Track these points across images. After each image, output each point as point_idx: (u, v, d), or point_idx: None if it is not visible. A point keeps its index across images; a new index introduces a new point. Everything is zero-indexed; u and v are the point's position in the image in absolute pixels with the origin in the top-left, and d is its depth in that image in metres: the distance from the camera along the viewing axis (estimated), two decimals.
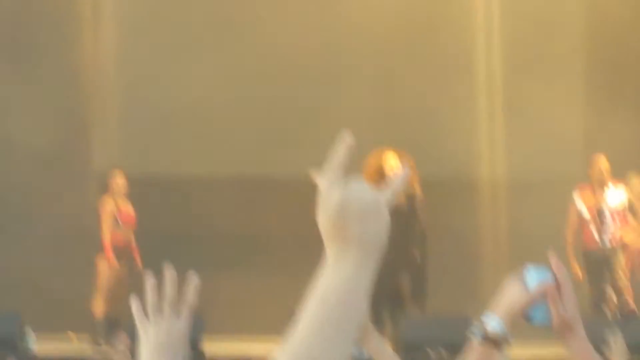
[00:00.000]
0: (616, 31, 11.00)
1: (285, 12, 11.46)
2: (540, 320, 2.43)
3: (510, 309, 2.52)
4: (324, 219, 1.48)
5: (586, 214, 10.48)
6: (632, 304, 10.29)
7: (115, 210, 10.75)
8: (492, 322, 2.48)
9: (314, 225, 1.46)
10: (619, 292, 10.38)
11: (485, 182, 11.53)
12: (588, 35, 11.50)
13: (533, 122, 10.94)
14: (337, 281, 1.47)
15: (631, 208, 10.44)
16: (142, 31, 11.64)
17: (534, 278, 2.43)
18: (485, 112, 11.49)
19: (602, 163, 10.40)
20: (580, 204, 10.48)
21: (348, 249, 1.48)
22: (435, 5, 11.50)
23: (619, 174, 10.50)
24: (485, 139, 11.50)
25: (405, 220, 10.36)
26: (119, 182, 10.84)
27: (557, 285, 2.39)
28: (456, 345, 9.96)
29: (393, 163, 10.21)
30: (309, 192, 1.59)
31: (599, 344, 8.46)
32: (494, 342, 2.47)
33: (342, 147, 1.49)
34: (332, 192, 1.48)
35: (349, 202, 1.48)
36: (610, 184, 10.39)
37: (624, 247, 10.47)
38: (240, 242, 11.08)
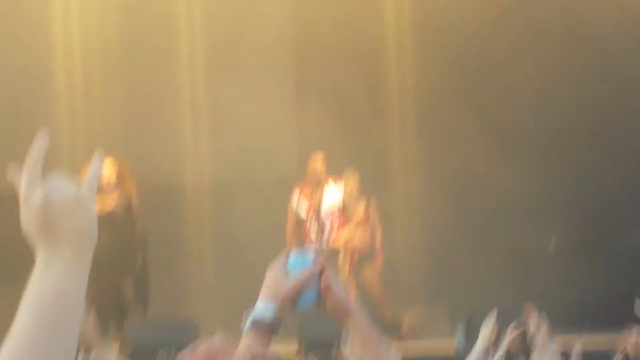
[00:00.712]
0: (323, 32, 11.34)
1: None
2: (305, 305, 2.47)
3: (275, 293, 2.55)
4: (29, 220, 1.47)
5: (303, 214, 10.62)
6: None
7: None
8: (261, 308, 2.50)
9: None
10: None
11: (191, 186, 11.56)
12: (296, 36, 11.83)
13: (241, 125, 11.04)
14: (50, 283, 1.46)
15: (345, 207, 10.66)
16: None
17: (297, 263, 2.47)
18: (190, 117, 11.54)
19: (318, 162, 10.58)
20: (298, 203, 10.61)
21: (59, 247, 1.47)
22: (142, 11, 11.45)
23: (337, 173, 10.75)
24: (191, 144, 11.56)
25: (124, 226, 10.38)
26: None
27: (321, 270, 2.43)
28: (182, 347, 10.04)
29: (106, 170, 10.20)
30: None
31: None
32: (262, 328, 2.49)
33: (39, 145, 1.48)
34: (33, 190, 1.47)
35: (53, 198, 1.47)
36: (328, 183, 10.57)
37: (343, 247, 10.67)
38: None
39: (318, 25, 11.35)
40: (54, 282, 1.47)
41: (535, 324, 6.58)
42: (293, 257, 2.50)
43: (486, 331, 6.82)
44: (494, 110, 11.53)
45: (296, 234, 10.73)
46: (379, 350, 2.56)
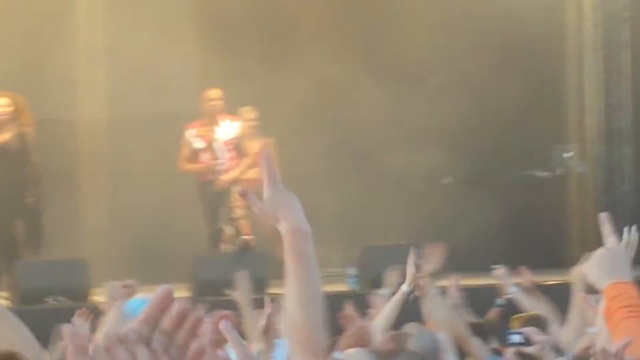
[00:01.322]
0: None
1: None
2: None
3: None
4: None
5: (199, 145, 10.64)
6: (248, 236, 10.59)
7: None
8: None
9: None
10: (234, 224, 10.63)
11: (86, 121, 11.47)
12: None
13: (138, 61, 10.98)
14: None
15: (240, 144, 10.71)
16: None
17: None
18: (86, 53, 11.39)
19: (214, 96, 10.59)
20: (193, 137, 10.63)
21: None
22: None
23: (233, 109, 10.77)
24: (86, 79, 11.41)
25: (16, 162, 10.17)
26: None
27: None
28: (74, 290, 10.17)
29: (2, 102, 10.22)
30: None
31: (218, 280, 8.98)
32: None
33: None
34: None
35: None
36: (223, 118, 10.60)
37: (236, 180, 10.68)
38: None
39: None
40: None
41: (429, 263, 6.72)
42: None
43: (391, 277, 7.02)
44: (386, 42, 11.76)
45: (190, 164, 10.80)
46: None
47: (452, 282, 7.94)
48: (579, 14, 12.37)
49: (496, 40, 11.83)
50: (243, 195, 3.08)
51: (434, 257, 7.25)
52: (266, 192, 2.96)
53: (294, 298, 3.14)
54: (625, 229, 3.73)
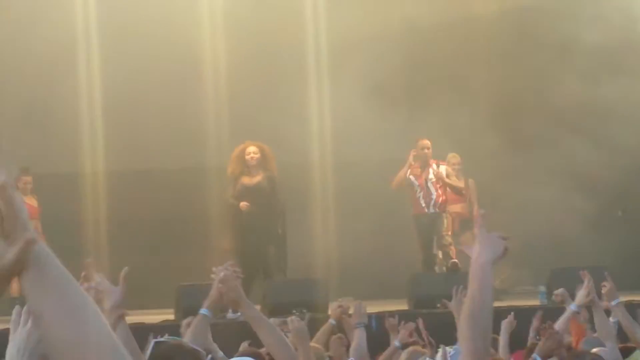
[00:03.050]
0: None
1: None
2: None
3: None
4: None
5: (415, 184, 12.91)
6: (456, 259, 12.73)
7: None
8: None
9: None
10: (444, 249, 12.86)
11: (317, 165, 14.16)
12: None
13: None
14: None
15: (448, 183, 13.07)
16: None
17: None
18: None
19: (425, 145, 12.86)
20: (411, 177, 12.98)
21: None
22: None
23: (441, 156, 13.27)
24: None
25: (267, 200, 12.52)
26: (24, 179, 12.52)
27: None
28: (315, 303, 12.51)
29: (251, 150, 12.60)
30: None
31: (432, 296, 11.42)
32: None
33: None
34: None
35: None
36: (432, 163, 12.92)
37: (448, 210, 13.11)
38: None
39: None
40: None
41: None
42: None
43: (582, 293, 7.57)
44: None
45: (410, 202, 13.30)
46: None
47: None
48: None
49: None
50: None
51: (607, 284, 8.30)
52: (476, 231, 3.78)
53: (465, 312, 3.80)
54: None
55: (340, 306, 9.12)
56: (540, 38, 14.67)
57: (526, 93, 14.83)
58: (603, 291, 8.11)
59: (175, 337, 5.22)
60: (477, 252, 3.74)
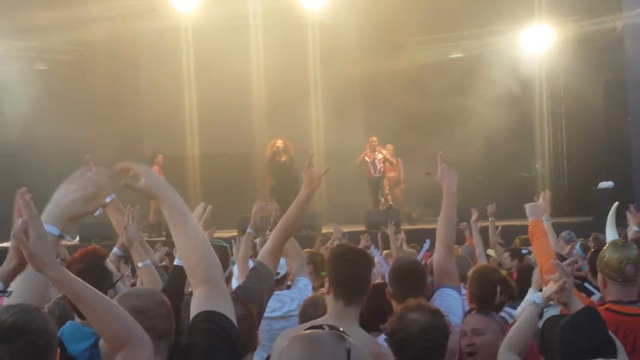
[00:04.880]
0: None
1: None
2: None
3: None
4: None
5: (368, 161, 21.55)
6: (391, 201, 21.57)
7: None
8: None
9: None
10: (385, 197, 21.76)
11: (315, 149, 21.54)
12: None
13: None
14: None
15: (386, 160, 21.60)
16: None
17: None
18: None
19: (373, 140, 21.62)
20: (366, 157, 21.67)
21: None
22: None
23: (382, 144, 21.84)
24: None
25: (289, 174, 20.01)
26: None
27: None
28: (314, 225, 21.16)
29: (279, 142, 21.01)
30: None
31: (379, 222, 19.44)
32: None
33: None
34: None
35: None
36: (378, 149, 21.71)
37: (386, 176, 21.78)
38: None
39: None
40: None
41: None
42: None
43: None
44: None
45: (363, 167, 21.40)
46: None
47: None
48: None
49: None
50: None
51: None
52: (441, 167, 5.19)
53: (442, 219, 5.24)
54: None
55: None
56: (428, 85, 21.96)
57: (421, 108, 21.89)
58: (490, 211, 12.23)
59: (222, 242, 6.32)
60: (447, 184, 5.11)
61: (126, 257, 5.91)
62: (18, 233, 2.73)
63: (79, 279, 2.80)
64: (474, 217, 11.51)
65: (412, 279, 5.21)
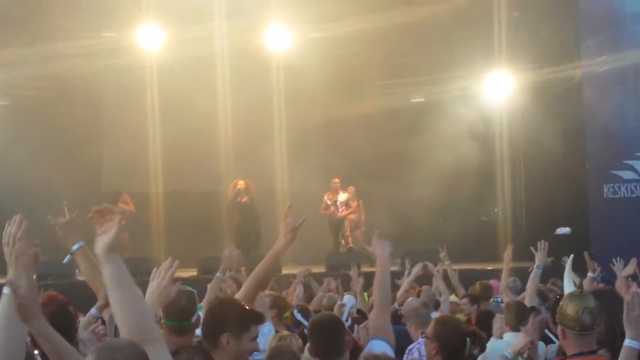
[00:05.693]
0: None
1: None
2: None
3: None
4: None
5: (329, 203, 22.19)
6: (351, 243, 21.93)
7: None
8: None
9: None
10: (345, 238, 22.17)
11: (279, 190, 22.25)
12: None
13: None
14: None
15: (348, 202, 22.14)
16: None
17: None
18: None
19: (335, 182, 22.20)
20: (327, 200, 22.26)
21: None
22: None
23: (344, 186, 22.31)
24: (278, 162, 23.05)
25: (250, 214, 20.69)
26: None
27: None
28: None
29: (240, 183, 21.42)
30: None
31: (339, 264, 19.82)
32: None
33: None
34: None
35: None
36: (340, 192, 22.29)
37: (347, 218, 22.28)
38: None
39: None
40: None
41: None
42: None
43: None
44: None
45: (328, 213, 21.97)
46: None
47: None
48: None
49: None
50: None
51: None
52: (375, 239, 5.48)
53: (378, 280, 5.38)
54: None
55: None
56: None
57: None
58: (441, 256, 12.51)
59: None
60: (379, 251, 5.42)
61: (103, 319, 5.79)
62: (13, 284, 2.85)
63: (58, 335, 2.90)
64: (438, 265, 11.89)
65: (332, 334, 5.27)
